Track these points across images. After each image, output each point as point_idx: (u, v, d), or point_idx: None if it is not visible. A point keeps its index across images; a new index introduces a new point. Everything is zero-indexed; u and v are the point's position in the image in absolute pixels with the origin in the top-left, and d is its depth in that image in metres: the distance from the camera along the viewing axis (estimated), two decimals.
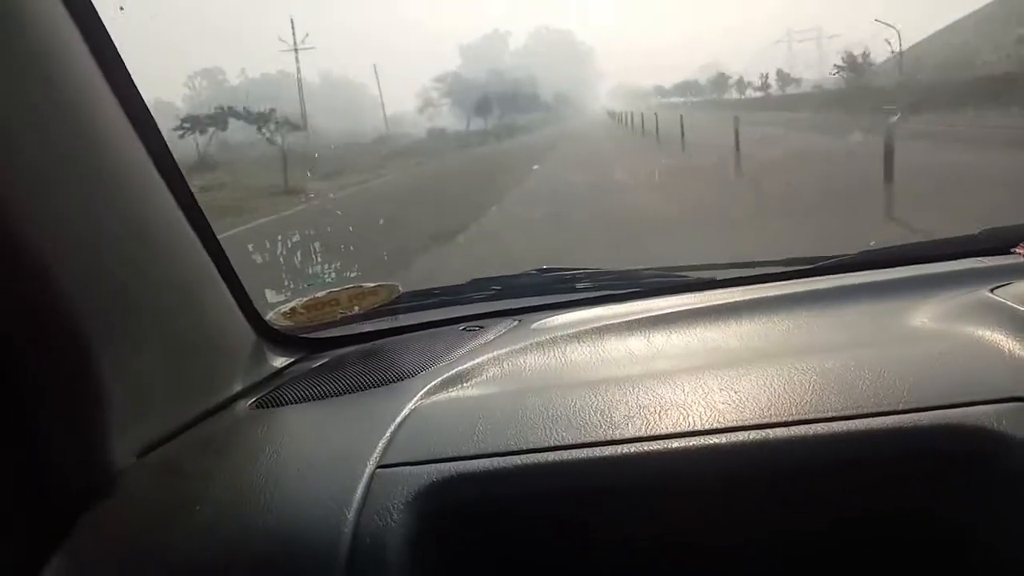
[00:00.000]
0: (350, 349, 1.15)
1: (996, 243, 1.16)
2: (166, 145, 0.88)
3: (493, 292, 1.31)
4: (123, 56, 0.82)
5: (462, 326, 1.17)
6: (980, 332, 0.82)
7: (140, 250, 0.83)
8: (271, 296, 1.16)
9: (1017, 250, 0.90)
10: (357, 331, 1.21)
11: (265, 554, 0.65)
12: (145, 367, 0.81)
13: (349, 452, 0.75)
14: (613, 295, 1.27)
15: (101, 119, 0.79)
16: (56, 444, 0.72)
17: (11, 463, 0.71)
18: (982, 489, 0.66)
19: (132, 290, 0.81)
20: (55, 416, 0.72)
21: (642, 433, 0.71)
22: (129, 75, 0.83)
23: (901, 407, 0.69)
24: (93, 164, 0.76)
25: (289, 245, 1.52)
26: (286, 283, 1.24)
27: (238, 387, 0.97)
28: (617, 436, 0.71)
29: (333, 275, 1.26)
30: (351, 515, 0.65)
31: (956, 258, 1.18)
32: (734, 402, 0.74)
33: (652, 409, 0.74)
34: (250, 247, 1.52)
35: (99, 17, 0.80)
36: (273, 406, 0.92)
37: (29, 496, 0.71)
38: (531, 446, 0.71)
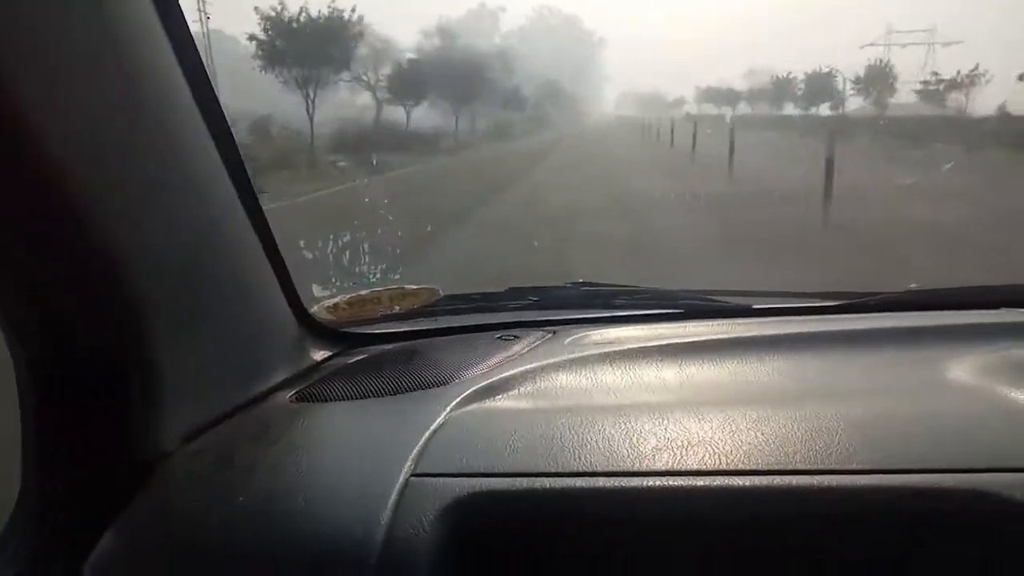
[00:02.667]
0: (388, 347, 1.18)
1: None
2: (231, 136, 0.90)
3: (529, 302, 1.33)
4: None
5: (498, 334, 1.20)
6: (1012, 394, 0.82)
7: (194, 239, 0.86)
8: (317, 290, 1.19)
9: None
10: (396, 329, 1.24)
11: (300, 548, 0.68)
12: (196, 353, 0.85)
13: (385, 456, 0.78)
14: (648, 315, 1.28)
15: (169, 116, 0.81)
16: (109, 425, 0.76)
17: (66, 442, 0.75)
18: (1004, 557, 0.67)
19: (187, 278, 0.84)
20: (110, 396, 0.76)
21: (669, 467, 0.73)
22: (204, 69, 0.85)
23: (927, 466, 0.70)
24: (160, 159, 0.79)
25: None
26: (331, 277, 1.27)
27: (280, 377, 1.01)
28: (645, 468, 0.73)
29: (378, 274, 1.30)
30: (384, 520, 0.68)
31: (1000, 307, 1.18)
32: (761, 444, 0.75)
33: (680, 443, 0.76)
34: None
35: (180, 10, 0.81)
36: (313, 400, 0.96)
37: (82, 474, 0.75)
38: (561, 470, 0.74)
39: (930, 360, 0.97)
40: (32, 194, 0.65)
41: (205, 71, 0.84)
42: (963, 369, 0.93)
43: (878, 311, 1.22)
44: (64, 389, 0.74)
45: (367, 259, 1.41)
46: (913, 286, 1.28)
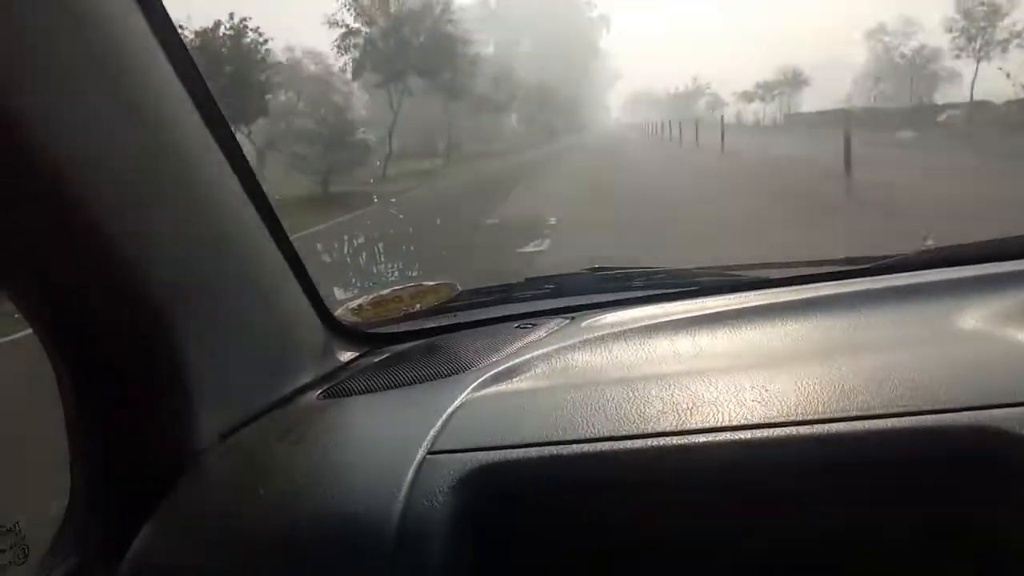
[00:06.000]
0: (411, 344, 1.22)
1: None
2: (242, 152, 0.95)
3: (547, 291, 1.36)
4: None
5: (516, 324, 1.23)
6: (1022, 336, 0.82)
7: (225, 250, 0.92)
8: (339, 293, 1.25)
9: None
10: (418, 327, 1.28)
11: (322, 532, 0.72)
12: (228, 356, 0.91)
13: (403, 439, 0.82)
14: (665, 294, 1.30)
15: (177, 125, 0.86)
16: (146, 424, 0.82)
17: (105, 440, 0.81)
18: (1005, 491, 0.67)
19: (217, 287, 0.90)
20: (147, 397, 0.82)
21: (672, 427, 0.75)
22: (206, 86, 0.89)
23: (927, 407, 0.70)
24: (176, 168, 0.84)
25: None
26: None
27: (309, 378, 1.06)
28: (648, 430, 0.75)
29: (396, 274, 1.34)
30: (401, 497, 0.72)
31: (1013, 259, 1.16)
32: (764, 400, 0.77)
33: (684, 405, 0.78)
34: None
35: (175, 29, 0.85)
36: (339, 396, 1.00)
37: (122, 471, 0.81)
38: (568, 437, 0.76)
39: (944, 312, 0.97)
40: (59, 209, 0.71)
41: (203, 80, 0.89)
42: (977, 317, 0.93)
43: (895, 271, 1.21)
44: (104, 394, 0.80)
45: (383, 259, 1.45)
46: (930, 243, 1.26)
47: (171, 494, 0.79)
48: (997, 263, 1.14)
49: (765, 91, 47.09)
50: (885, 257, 1.26)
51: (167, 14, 0.83)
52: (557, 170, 21.60)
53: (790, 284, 1.25)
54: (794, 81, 44.66)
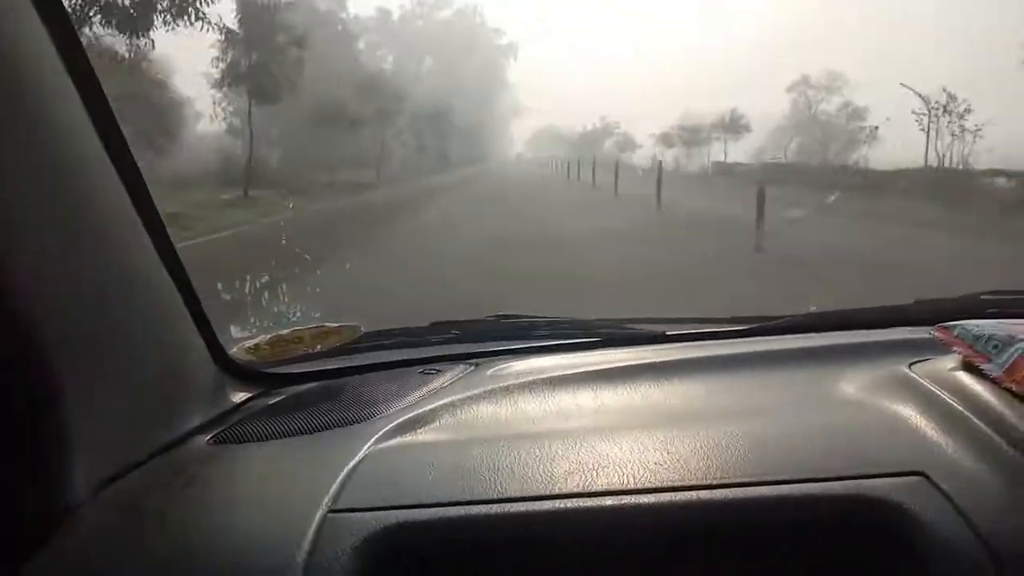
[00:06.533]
0: (309, 386, 1.18)
1: (923, 316, 1.25)
2: (137, 169, 0.88)
3: (452, 336, 1.36)
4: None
5: (420, 368, 1.22)
6: (894, 407, 0.89)
7: (103, 279, 0.83)
8: (235, 331, 1.19)
9: (935, 332, 0.97)
10: (317, 368, 1.24)
11: None
12: (107, 397, 0.83)
13: (302, 495, 0.79)
14: (567, 344, 1.33)
15: (67, 143, 0.78)
16: (11, 479, 0.74)
17: None
18: (885, 558, 0.73)
19: (95, 319, 0.81)
20: (10, 449, 0.73)
21: (580, 489, 0.76)
22: (103, 94, 0.82)
23: (813, 475, 0.75)
24: (55, 190, 0.76)
25: None
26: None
27: (198, 420, 0.99)
28: (557, 491, 0.76)
29: (298, 314, 1.30)
30: (300, 559, 0.69)
31: (889, 326, 1.27)
32: (665, 462, 0.79)
33: (591, 465, 0.80)
34: None
35: (70, 22, 0.78)
36: (231, 442, 0.95)
37: None
38: (475, 497, 0.76)
39: (822, 378, 1.05)
40: None
41: (102, 93, 0.82)
42: (852, 385, 1.00)
43: (781, 333, 1.29)
44: None
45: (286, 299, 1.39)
46: (812, 309, 1.36)
47: (35, 558, 0.71)
48: (869, 331, 1.24)
49: (691, 135, 40.66)
50: (770, 318, 1.35)
51: None
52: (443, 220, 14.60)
53: (683, 340, 1.31)
54: (732, 127, 38.72)
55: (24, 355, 0.71)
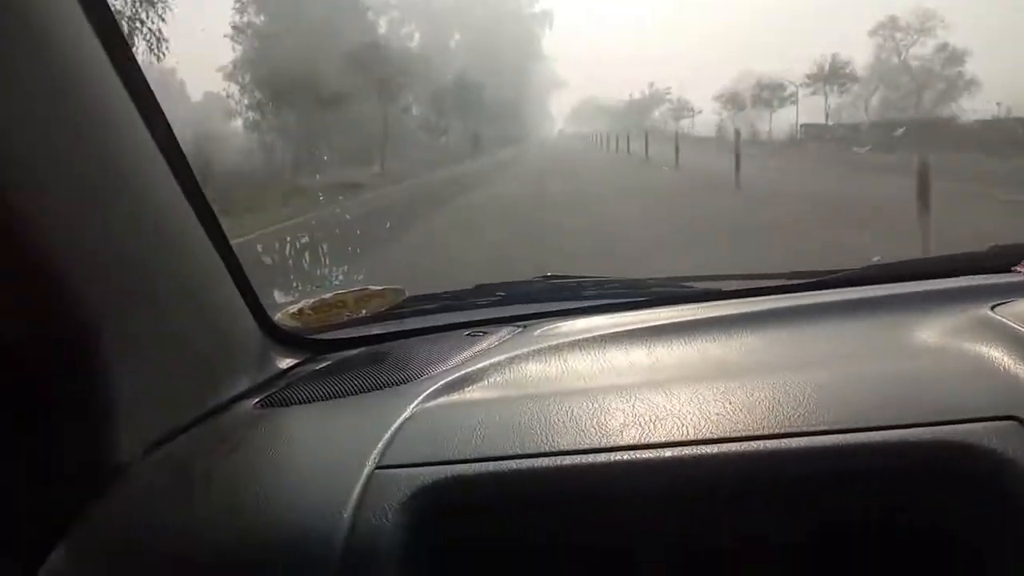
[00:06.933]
0: (355, 351, 1.16)
1: (1001, 260, 1.16)
2: (176, 140, 0.88)
3: (498, 298, 1.32)
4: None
5: (466, 331, 1.19)
6: (978, 349, 0.82)
7: (149, 247, 0.84)
8: (279, 296, 1.18)
9: (1019, 268, 0.90)
10: (362, 333, 1.22)
11: (260, 553, 0.66)
12: (154, 363, 0.83)
13: (349, 453, 0.76)
14: (617, 303, 1.28)
15: (106, 111, 0.78)
16: (64, 438, 0.74)
17: (20, 454, 0.73)
18: (974, 505, 0.67)
19: (141, 287, 0.82)
20: (63, 410, 0.73)
21: (637, 441, 0.72)
22: (137, 64, 0.82)
23: (894, 423, 0.70)
24: (99, 159, 0.76)
25: None
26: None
27: (245, 386, 0.99)
28: (612, 444, 0.72)
29: (341, 277, 1.28)
30: (347, 515, 0.67)
31: (962, 274, 1.18)
32: (728, 413, 0.74)
33: (648, 418, 0.75)
34: None
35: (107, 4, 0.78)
36: (278, 406, 0.94)
37: (38, 487, 0.73)
38: (526, 451, 0.72)
39: (895, 326, 0.98)
40: None
41: (141, 71, 0.81)
42: (928, 332, 0.93)
43: (846, 286, 1.22)
44: (18, 402, 0.72)
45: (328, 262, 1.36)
46: (876, 259, 1.28)
47: (85, 513, 0.71)
48: (940, 279, 1.16)
49: (771, 93, 30.97)
50: (833, 272, 1.28)
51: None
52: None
53: (740, 296, 1.25)
54: (833, 76, 29.14)
55: (68, 321, 0.72)
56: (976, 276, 1.16)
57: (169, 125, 0.87)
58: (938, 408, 0.72)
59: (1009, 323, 0.86)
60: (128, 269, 0.80)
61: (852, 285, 1.22)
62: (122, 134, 0.81)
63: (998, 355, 0.80)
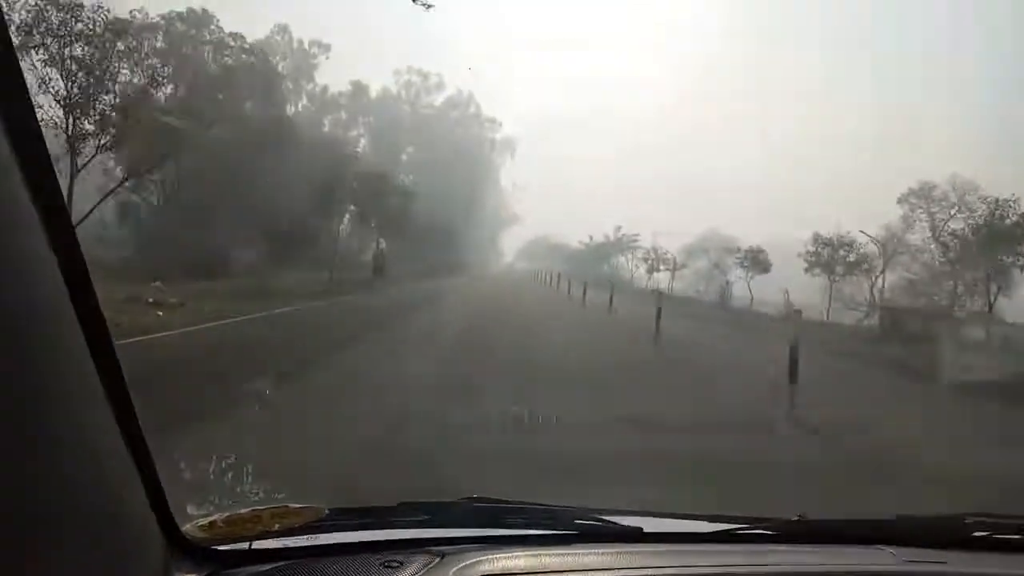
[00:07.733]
0: (264, 568, 1.11)
1: (910, 532, 1.20)
2: (99, 311, 0.83)
3: (420, 519, 1.29)
4: None
5: (381, 558, 1.15)
6: None
7: (57, 443, 0.78)
8: (192, 509, 1.13)
9: None
10: (273, 546, 1.17)
11: None
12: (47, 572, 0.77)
13: None
14: (540, 535, 1.26)
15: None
16: None
17: None
18: None
19: (44, 490, 0.76)
20: None
21: None
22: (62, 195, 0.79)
23: None
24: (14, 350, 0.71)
25: None
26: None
27: None
28: None
29: (261, 494, 1.24)
30: None
31: (875, 542, 1.22)
32: None
33: None
34: None
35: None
36: None
37: None
38: None
39: None
40: None
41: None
42: None
43: (765, 542, 1.24)
44: None
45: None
46: (797, 516, 1.32)
47: None
48: (862, 548, 1.19)
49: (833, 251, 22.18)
50: (758, 520, 1.30)
51: None
52: None
53: (662, 541, 1.26)
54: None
55: None
56: (891, 548, 1.20)
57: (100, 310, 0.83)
58: None
59: None
60: (34, 467, 0.73)
61: (771, 542, 1.24)
62: (45, 322, 0.76)
63: None
